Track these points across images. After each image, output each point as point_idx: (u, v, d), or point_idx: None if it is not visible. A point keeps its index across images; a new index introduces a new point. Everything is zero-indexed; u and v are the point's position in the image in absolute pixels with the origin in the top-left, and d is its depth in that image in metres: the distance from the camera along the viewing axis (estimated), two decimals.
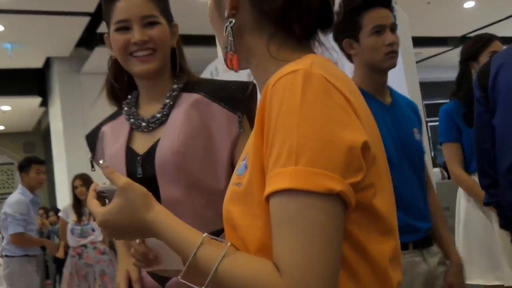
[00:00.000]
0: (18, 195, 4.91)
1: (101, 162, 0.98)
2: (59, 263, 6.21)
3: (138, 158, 1.50)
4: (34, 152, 11.85)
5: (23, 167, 5.05)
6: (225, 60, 0.97)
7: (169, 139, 1.45)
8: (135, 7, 1.47)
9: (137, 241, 1.15)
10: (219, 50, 4.33)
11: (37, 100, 9.77)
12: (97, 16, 6.93)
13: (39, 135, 12.24)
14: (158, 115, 1.51)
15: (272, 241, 0.78)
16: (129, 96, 1.60)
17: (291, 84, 0.79)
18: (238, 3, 0.93)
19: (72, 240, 5.38)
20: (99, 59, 7.72)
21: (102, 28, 7.12)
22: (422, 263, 1.88)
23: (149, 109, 1.54)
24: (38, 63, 8.95)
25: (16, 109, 10.43)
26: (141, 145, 1.52)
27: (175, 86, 1.53)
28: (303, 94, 0.78)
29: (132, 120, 1.54)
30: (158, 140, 1.48)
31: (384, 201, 0.85)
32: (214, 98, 1.47)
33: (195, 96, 1.50)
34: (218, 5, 0.98)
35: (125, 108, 1.58)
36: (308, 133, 0.77)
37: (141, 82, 1.56)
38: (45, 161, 5.31)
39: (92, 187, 0.99)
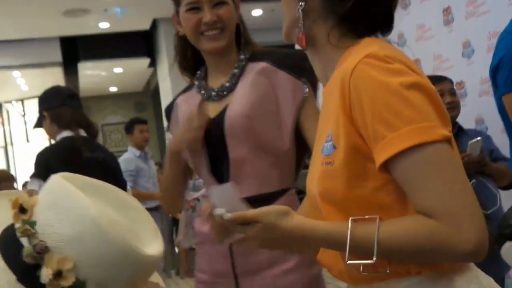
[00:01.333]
0: (126, 154, 5.28)
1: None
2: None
3: (209, 120, 1.60)
4: (145, 112, 12.40)
5: (128, 128, 5.36)
6: (296, 39, 1.07)
7: (238, 103, 1.56)
8: None
9: (216, 212, 1.12)
10: None
11: (146, 61, 10.16)
12: None
13: (149, 95, 12.76)
14: (227, 84, 1.62)
15: (411, 196, 0.88)
16: (198, 72, 1.72)
17: (372, 66, 0.90)
18: None
19: (186, 194, 5.65)
20: None
21: None
22: None
23: (218, 81, 1.65)
24: (145, 25, 9.28)
25: (127, 71, 10.92)
26: (212, 111, 1.63)
27: (242, 56, 1.64)
28: (386, 72, 0.89)
29: (203, 91, 1.66)
30: (227, 105, 1.59)
31: None
32: (280, 65, 1.58)
33: (261, 64, 1.60)
34: None
35: (196, 83, 1.70)
36: (404, 98, 0.87)
37: (209, 57, 1.66)
38: (147, 120, 5.59)
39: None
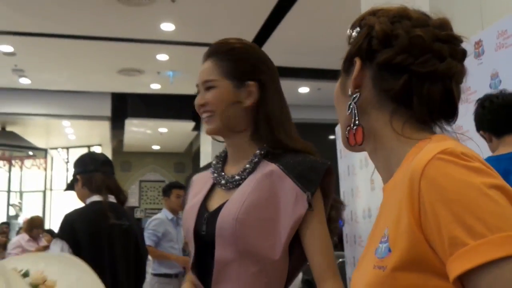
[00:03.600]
0: (159, 214, 5.30)
1: None
2: None
3: (206, 215, 1.54)
4: (184, 172, 12.57)
5: (165, 191, 5.36)
6: (347, 139, 1.01)
7: (234, 204, 1.48)
8: (202, 73, 1.59)
9: None
10: None
11: (191, 124, 10.39)
12: None
13: (190, 156, 12.95)
14: (237, 177, 1.54)
15: None
16: (221, 151, 1.67)
17: (449, 163, 0.80)
18: (362, 82, 0.98)
19: None
20: None
21: None
22: None
23: (233, 168, 1.59)
24: (195, 90, 9.48)
25: (171, 132, 11.17)
26: (215, 201, 1.56)
27: (257, 152, 1.55)
28: (466, 169, 0.80)
29: (215, 175, 1.59)
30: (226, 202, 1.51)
31: None
32: (289, 172, 1.49)
33: (272, 166, 1.51)
34: (343, 85, 1.04)
35: (213, 162, 1.64)
36: (489, 200, 0.77)
37: (226, 142, 1.62)
38: (185, 186, 5.53)
39: None
